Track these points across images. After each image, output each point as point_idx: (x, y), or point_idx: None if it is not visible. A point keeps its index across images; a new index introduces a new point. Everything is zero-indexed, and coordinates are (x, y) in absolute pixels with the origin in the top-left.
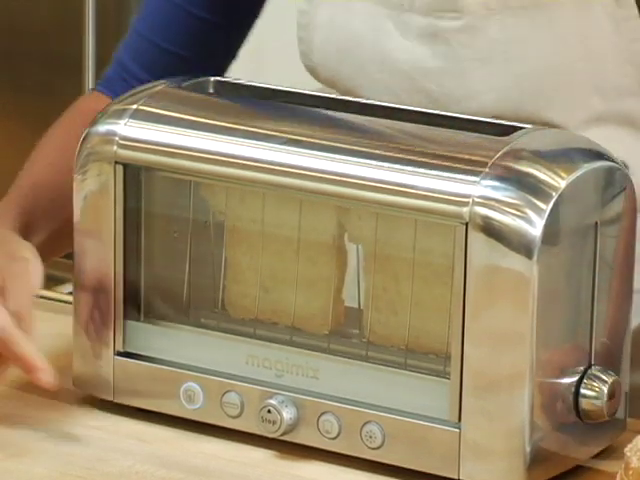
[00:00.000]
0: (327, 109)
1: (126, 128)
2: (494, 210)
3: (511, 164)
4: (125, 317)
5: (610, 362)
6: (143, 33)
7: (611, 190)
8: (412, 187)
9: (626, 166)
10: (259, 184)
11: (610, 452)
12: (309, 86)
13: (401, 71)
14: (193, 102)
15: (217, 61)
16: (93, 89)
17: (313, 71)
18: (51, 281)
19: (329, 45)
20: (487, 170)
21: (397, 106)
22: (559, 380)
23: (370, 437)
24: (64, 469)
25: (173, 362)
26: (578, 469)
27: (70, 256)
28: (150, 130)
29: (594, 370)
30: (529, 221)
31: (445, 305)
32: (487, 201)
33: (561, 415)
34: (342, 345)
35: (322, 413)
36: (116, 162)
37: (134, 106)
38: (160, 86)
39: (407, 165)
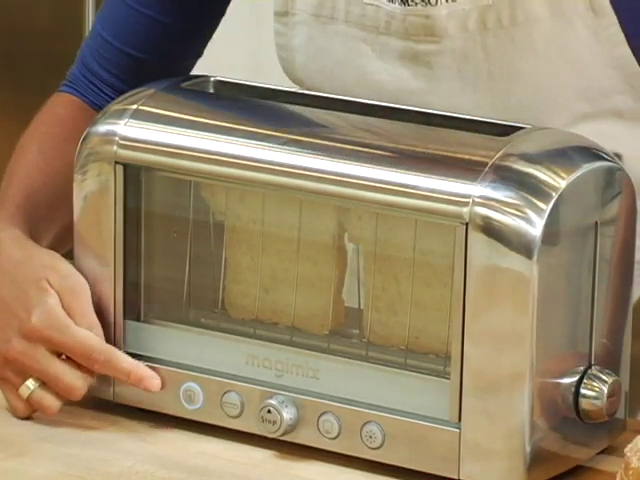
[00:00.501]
0: (327, 109)
1: (126, 128)
2: (494, 210)
3: (511, 164)
4: (125, 317)
5: (610, 362)
6: (104, 35)
7: (611, 190)
8: (412, 187)
9: (619, 156)
10: (259, 184)
11: (610, 452)
12: None
13: (386, 91)
14: (193, 102)
15: (181, 62)
16: (60, 90)
17: (300, 84)
18: None
19: (311, 65)
20: (487, 170)
21: (397, 106)
22: (559, 380)
23: (370, 437)
24: (64, 469)
25: (173, 362)
26: (578, 469)
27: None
28: (150, 130)
29: (594, 370)
30: (529, 221)
31: (445, 305)
32: (487, 201)
33: (561, 415)
34: (342, 345)
35: (322, 413)
36: (116, 162)
37: (134, 106)
38: (160, 86)
39: (407, 165)
